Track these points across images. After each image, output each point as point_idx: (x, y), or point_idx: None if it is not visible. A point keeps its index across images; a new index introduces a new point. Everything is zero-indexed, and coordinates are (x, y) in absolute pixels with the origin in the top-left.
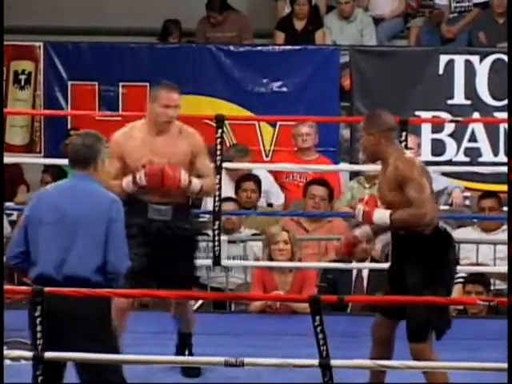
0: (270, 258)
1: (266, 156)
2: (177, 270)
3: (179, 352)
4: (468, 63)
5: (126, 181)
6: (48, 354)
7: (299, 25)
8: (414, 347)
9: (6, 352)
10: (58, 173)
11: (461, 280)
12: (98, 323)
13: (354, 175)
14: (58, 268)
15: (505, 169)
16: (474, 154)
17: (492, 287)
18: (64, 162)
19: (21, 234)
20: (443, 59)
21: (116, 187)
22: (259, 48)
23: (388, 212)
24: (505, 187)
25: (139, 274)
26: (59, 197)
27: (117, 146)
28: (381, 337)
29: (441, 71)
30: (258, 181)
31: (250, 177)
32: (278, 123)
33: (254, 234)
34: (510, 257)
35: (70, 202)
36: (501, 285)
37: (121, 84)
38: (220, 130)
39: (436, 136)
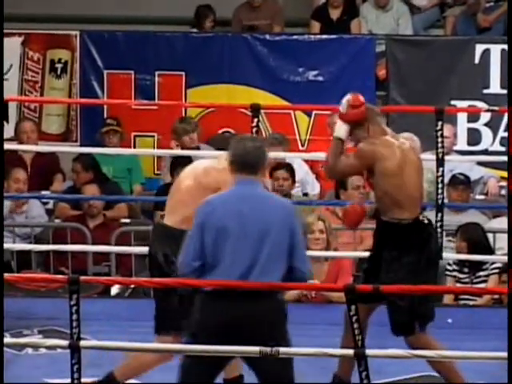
0: (306, 247)
1: (302, 145)
2: None
3: None
4: (504, 52)
5: None
6: (83, 343)
7: (334, 14)
8: (406, 340)
9: (41, 340)
10: (88, 161)
11: (496, 270)
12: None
13: None
14: (243, 278)
15: None
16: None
17: None
18: (100, 150)
19: (197, 246)
20: (479, 48)
21: None
22: (295, 37)
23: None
24: None
25: None
26: (239, 204)
27: None
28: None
29: (477, 60)
30: (290, 169)
31: (282, 165)
32: (314, 112)
33: None
34: (510, 249)
35: (253, 210)
36: None
37: (156, 73)
38: (256, 119)
39: (472, 125)
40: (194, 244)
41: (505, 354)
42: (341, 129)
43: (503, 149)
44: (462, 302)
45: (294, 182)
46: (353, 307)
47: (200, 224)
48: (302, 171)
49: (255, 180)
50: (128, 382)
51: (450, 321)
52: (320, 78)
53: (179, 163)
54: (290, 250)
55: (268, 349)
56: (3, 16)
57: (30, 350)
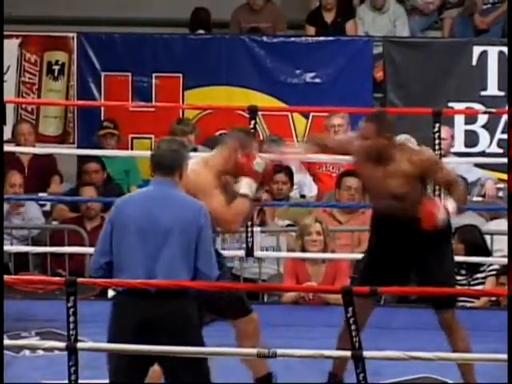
0: (303, 249)
1: None
2: None
3: None
4: (501, 54)
5: None
6: (81, 345)
7: (329, 17)
8: (445, 316)
9: (39, 342)
10: (100, 162)
11: (494, 272)
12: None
13: None
14: (148, 278)
15: None
16: (506, 145)
17: None
18: (97, 152)
19: (106, 243)
20: (476, 50)
21: None
22: (292, 39)
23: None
24: None
25: None
26: (147, 204)
27: None
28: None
29: (474, 62)
30: (289, 172)
31: (282, 168)
32: (311, 114)
33: (288, 225)
34: (509, 249)
35: (160, 209)
36: None
37: (154, 75)
38: (253, 121)
39: (469, 127)
40: (103, 241)
41: (504, 356)
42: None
43: (500, 151)
44: (460, 303)
45: (292, 185)
46: (350, 309)
47: (110, 221)
48: (299, 173)
49: (170, 181)
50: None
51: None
52: (317, 80)
53: None
54: (195, 251)
55: (265, 350)
56: (3, 19)
57: (27, 352)
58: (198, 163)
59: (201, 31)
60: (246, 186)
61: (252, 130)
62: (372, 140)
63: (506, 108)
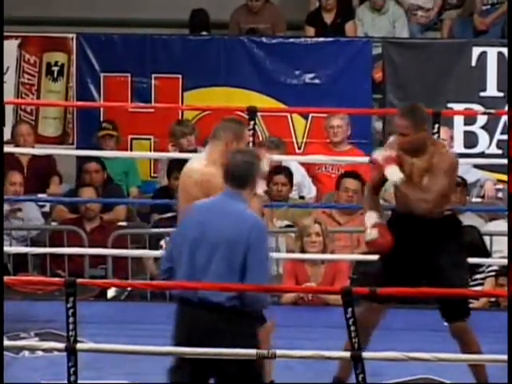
0: (302, 250)
1: (299, 148)
2: None
3: None
4: (501, 55)
5: None
6: (80, 346)
7: (328, 18)
8: (458, 326)
9: (38, 343)
10: (100, 163)
11: (493, 273)
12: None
13: None
14: (193, 291)
15: None
16: (506, 147)
17: None
18: (96, 153)
19: (169, 249)
20: (476, 51)
21: None
22: (292, 40)
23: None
24: None
25: None
26: (205, 215)
27: None
28: (369, 323)
29: (473, 63)
30: (289, 174)
31: (281, 169)
32: (310, 115)
33: (287, 226)
34: (510, 250)
35: (214, 222)
36: None
37: (153, 76)
38: (252, 122)
39: (468, 128)
40: (168, 247)
41: (503, 357)
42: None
43: (500, 151)
44: None
45: (291, 186)
46: (349, 310)
47: (177, 228)
48: (298, 174)
49: (237, 193)
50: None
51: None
52: (317, 81)
53: (176, 166)
54: (242, 267)
55: (265, 351)
56: (3, 16)
57: (26, 353)
58: (204, 163)
59: (200, 32)
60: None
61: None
62: (411, 136)
63: (506, 109)
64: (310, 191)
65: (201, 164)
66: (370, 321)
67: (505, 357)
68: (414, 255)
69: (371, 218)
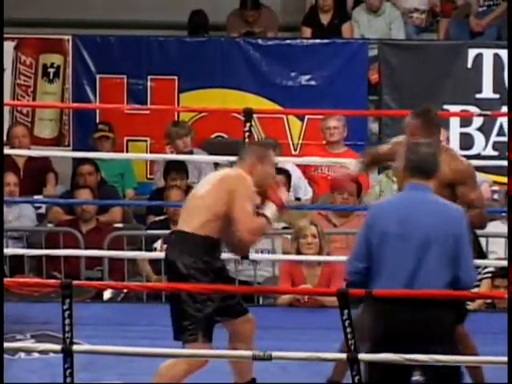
0: (299, 252)
1: (295, 150)
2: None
3: None
4: (497, 57)
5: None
6: (76, 347)
7: (325, 18)
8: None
9: (34, 345)
10: (95, 163)
11: (489, 274)
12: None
13: (382, 169)
14: (408, 284)
15: None
16: (502, 148)
17: None
18: (92, 155)
19: (363, 248)
20: (472, 53)
21: None
22: (288, 41)
23: None
24: None
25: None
26: (407, 209)
27: None
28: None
29: (469, 65)
30: (288, 175)
31: (280, 171)
32: (306, 117)
33: (283, 228)
34: (510, 251)
35: (421, 216)
36: None
37: (149, 77)
38: (248, 124)
39: (464, 130)
40: (361, 245)
41: (501, 359)
42: None
43: (496, 153)
44: None
45: (289, 188)
46: (345, 311)
47: (367, 226)
48: (294, 176)
49: (427, 186)
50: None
51: None
52: (313, 83)
53: (172, 168)
54: (455, 259)
55: (260, 353)
56: (3, 16)
57: (23, 355)
58: (238, 170)
59: (199, 34)
60: (269, 209)
61: (247, 133)
62: (420, 137)
63: (502, 110)
64: (306, 193)
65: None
66: None
67: (502, 358)
68: None
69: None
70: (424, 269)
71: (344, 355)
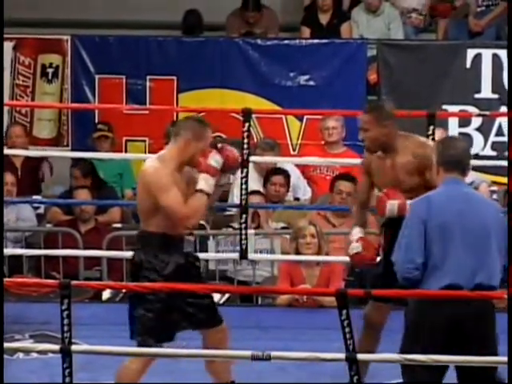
0: (297, 252)
1: (294, 150)
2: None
3: None
4: (495, 57)
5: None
6: (75, 347)
7: (324, 18)
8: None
9: (33, 345)
10: (87, 167)
11: None
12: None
13: None
14: (470, 277)
15: None
16: (501, 148)
17: None
18: (91, 155)
19: (418, 242)
20: (471, 53)
21: None
22: (286, 42)
23: None
24: None
25: None
26: (457, 203)
27: None
28: (375, 322)
29: (468, 65)
30: (287, 175)
31: (280, 171)
32: (305, 117)
33: (282, 228)
34: (509, 252)
35: (471, 209)
36: None
37: (148, 77)
38: (247, 124)
39: (463, 130)
40: (415, 240)
41: (500, 359)
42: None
43: (494, 153)
44: None
45: (288, 189)
46: (344, 311)
47: (420, 220)
48: (293, 176)
49: (463, 180)
50: None
51: None
52: (311, 83)
53: None
54: (502, 249)
55: (260, 353)
56: (3, 16)
57: (21, 355)
58: (154, 160)
59: (194, 34)
60: (201, 181)
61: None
62: (373, 131)
63: (501, 110)
64: (305, 193)
65: (150, 159)
66: (375, 319)
67: (502, 358)
68: None
69: (356, 232)
70: (487, 260)
71: (342, 355)
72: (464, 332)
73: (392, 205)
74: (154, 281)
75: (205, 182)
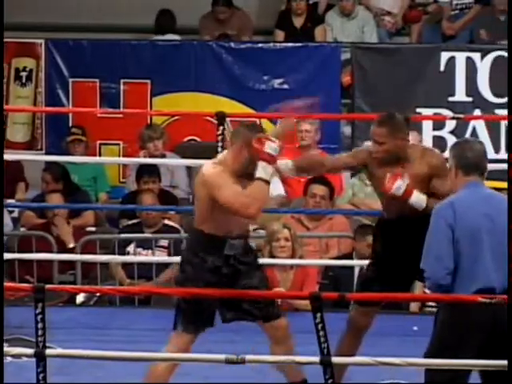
0: (271, 255)
1: None
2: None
3: None
4: (469, 60)
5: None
6: (49, 352)
7: (298, 22)
8: None
9: (7, 349)
10: (58, 171)
11: None
12: None
13: (355, 172)
14: (501, 279)
15: (506, 166)
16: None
17: None
18: (65, 159)
19: (448, 247)
20: (444, 56)
21: None
22: (260, 45)
23: (425, 198)
24: (506, 184)
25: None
26: (484, 207)
27: None
28: (361, 326)
29: (442, 68)
30: None
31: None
32: (279, 120)
33: (255, 230)
34: (509, 255)
35: (497, 211)
36: None
37: (122, 81)
38: (221, 127)
39: (437, 133)
40: (446, 246)
41: (497, 362)
42: (419, 198)
43: None
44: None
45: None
46: (318, 315)
47: (449, 225)
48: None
49: (482, 182)
50: None
51: (415, 328)
52: (285, 86)
53: (145, 171)
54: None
55: (233, 356)
56: (3, 16)
57: None
58: (211, 164)
59: (168, 36)
60: (260, 169)
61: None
62: (388, 144)
63: (474, 114)
64: (277, 190)
65: (207, 164)
66: (361, 324)
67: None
68: (406, 258)
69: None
70: (505, 264)
71: (317, 358)
72: (499, 334)
73: (401, 184)
74: (187, 275)
75: (263, 170)
